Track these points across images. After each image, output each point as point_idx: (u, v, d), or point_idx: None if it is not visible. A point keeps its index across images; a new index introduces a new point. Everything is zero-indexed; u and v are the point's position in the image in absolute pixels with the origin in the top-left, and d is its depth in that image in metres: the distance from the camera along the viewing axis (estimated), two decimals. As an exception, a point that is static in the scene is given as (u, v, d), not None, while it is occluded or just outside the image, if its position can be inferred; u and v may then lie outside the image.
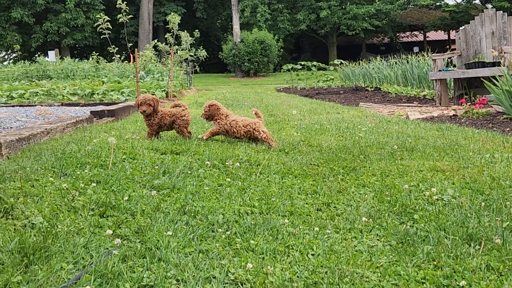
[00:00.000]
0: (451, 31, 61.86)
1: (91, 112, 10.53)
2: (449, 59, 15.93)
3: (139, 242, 3.39)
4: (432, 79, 13.83)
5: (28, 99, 16.14)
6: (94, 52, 26.60)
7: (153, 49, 18.28)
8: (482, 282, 2.72)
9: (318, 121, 10.00)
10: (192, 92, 24.59)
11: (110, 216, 3.92)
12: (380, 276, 2.85)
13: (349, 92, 22.07)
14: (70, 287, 2.69)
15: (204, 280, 2.82)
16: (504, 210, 3.90)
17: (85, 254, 3.15)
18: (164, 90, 18.24)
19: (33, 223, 3.59)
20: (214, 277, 2.85)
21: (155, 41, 19.46)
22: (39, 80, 22.14)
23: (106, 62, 25.11)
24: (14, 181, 4.48)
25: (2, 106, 13.97)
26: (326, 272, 2.89)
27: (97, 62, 25.03)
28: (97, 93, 16.46)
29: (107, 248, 3.26)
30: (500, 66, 10.97)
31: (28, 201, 4.00)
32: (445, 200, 4.27)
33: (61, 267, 2.95)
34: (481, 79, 11.57)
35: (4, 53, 61.52)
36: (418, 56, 22.94)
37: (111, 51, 18.09)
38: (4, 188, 4.23)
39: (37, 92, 16.71)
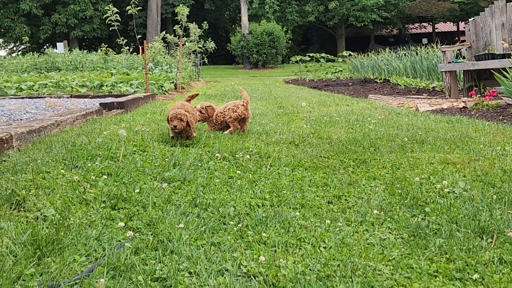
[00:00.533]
0: (460, 22, 61.53)
1: (100, 104, 10.54)
2: (458, 51, 15.88)
3: (151, 234, 3.40)
4: (442, 71, 13.78)
5: (37, 91, 16.16)
6: (102, 44, 26.57)
7: (162, 40, 18.24)
8: (495, 276, 2.72)
9: (327, 113, 9.98)
10: (201, 84, 24.59)
11: (122, 208, 3.93)
12: (393, 269, 2.85)
13: (358, 84, 22.03)
14: (83, 279, 2.70)
15: (216, 273, 2.82)
16: (516, 203, 3.90)
17: (97, 247, 3.17)
18: (173, 82, 18.25)
19: (45, 216, 3.61)
20: (227, 270, 2.85)
21: (163, 33, 19.37)
22: (48, 72, 22.19)
23: (115, 54, 25.13)
24: (26, 173, 4.50)
25: (12, 98, 14.00)
26: (338, 265, 2.90)
27: (106, 54, 25.04)
28: (106, 85, 16.45)
29: (119, 241, 3.27)
30: (510, 58, 10.91)
31: (40, 193, 4.01)
32: (456, 193, 4.26)
33: (74, 260, 2.96)
34: (491, 71, 11.53)
35: (12, 44, 61.63)
36: (427, 48, 22.88)
37: (119, 43, 18.06)
38: (16, 180, 4.25)
39: (46, 84, 16.73)
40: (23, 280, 2.67)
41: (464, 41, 14.59)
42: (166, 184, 4.53)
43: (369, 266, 2.87)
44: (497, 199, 4.00)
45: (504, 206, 3.85)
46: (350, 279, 2.70)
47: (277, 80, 30.38)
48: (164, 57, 23.49)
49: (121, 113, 9.90)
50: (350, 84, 22.20)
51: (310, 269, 2.84)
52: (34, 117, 8.57)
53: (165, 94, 16.34)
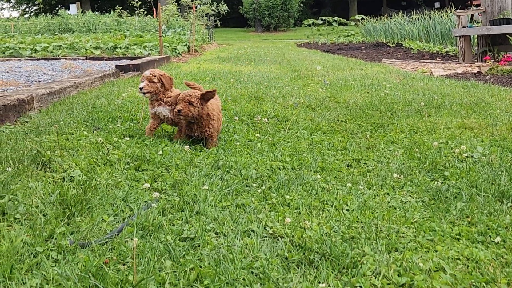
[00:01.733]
0: (473, -14, 60.77)
1: (116, 66, 10.56)
2: (472, 15, 15.76)
3: (176, 195, 3.44)
4: (456, 35, 13.71)
5: (51, 52, 16.18)
6: (116, 6, 26.43)
7: (176, 3, 18.19)
8: (515, 239, 2.75)
9: (342, 77, 9.97)
10: (213, 47, 24.53)
11: (146, 170, 3.97)
12: (415, 231, 2.89)
13: (371, 48, 21.94)
14: (113, 238, 2.75)
15: (243, 234, 2.87)
16: (535, 168, 3.91)
17: (124, 207, 3.22)
18: (186, 45, 18.21)
19: (71, 176, 3.65)
20: (253, 231, 2.90)
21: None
22: (61, 34, 22.19)
23: (128, 16, 25.05)
24: (49, 134, 4.54)
25: (28, 59, 14.04)
26: (362, 227, 2.93)
27: (120, 15, 24.96)
28: (120, 47, 16.44)
29: (146, 201, 3.32)
30: (526, 23, 10.85)
31: (65, 154, 4.06)
32: (475, 158, 4.28)
33: (102, 219, 3.01)
34: (507, 35, 11.46)
35: (25, 5, 61.43)
36: (441, 12, 22.69)
37: (133, 5, 18.00)
38: (40, 141, 4.29)
39: (61, 45, 16.73)
40: (55, 239, 2.72)
41: (479, 5, 14.48)
42: (187, 146, 4.56)
43: (392, 229, 2.91)
44: (516, 164, 4.03)
45: (523, 171, 3.87)
46: (375, 241, 2.74)
47: (290, 43, 30.26)
48: (177, 20, 23.39)
49: (137, 75, 9.92)
50: (363, 48, 22.10)
51: (334, 231, 2.88)
52: (52, 79, 8.61)
53: (178, 56, 16.33)
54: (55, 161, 3.87)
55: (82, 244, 2.68)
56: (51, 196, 3.23)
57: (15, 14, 60.26)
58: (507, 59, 11.25)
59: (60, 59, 13.87)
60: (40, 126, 4.89)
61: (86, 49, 16.24)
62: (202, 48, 20.98)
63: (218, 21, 25.27)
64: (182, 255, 2.59)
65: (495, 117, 5.79)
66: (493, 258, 2.55)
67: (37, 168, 3.76)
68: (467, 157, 4.30)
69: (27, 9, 63.21)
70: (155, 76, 4.91)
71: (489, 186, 3.55)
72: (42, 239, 2.70)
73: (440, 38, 19.25)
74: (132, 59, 13.04)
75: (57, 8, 51.75)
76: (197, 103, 4.50)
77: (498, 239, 2.75)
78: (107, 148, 4.35)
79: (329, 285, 2.30)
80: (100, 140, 4.49)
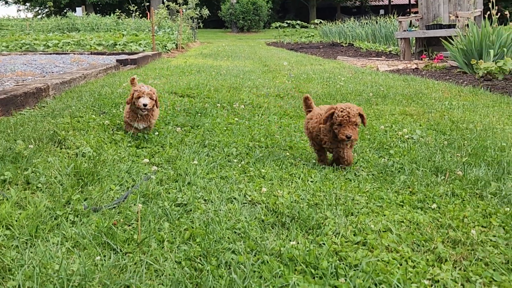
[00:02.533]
0: (411, -4, 61.04)
1: (116, 60, 10.45)
2: (411, 21, 15.84)
3: (171, 169, 3.45)
4: (398, 37, 13.80)
5: (61, 48, 15.93)
6: (116, 10, 26.10)
7: (166, 8, 18.09)
8: (449, 206, 2.80)
9: (304, 71, 9.98)
10: (197, 45, 24.32)
11: (144, 147, 3.98)
12: (367, 199, 2.93)
13: (327, 47, 21.94)
14: (120, 204, 2.76)
15: (226, 200, 2.89)
16: (463, 148, 3.97)
17: (128, 178, 3.22)
18: (174, 42, 18.07)
19: (83, 152, 3.64)
20: (235, 198, 2.92)
21: (166, 0, 19.33)
22: (69, 32, 21.84)
23: (126, 18, 24.82)
24: (63, 117, 4.51)
25: (41, 54, 13.83)
26: (324, 195, 2.97)
27: (119, 18, 24.70)
28: (119, 44, 16.26)
29: (146, 174, 3.32)
30: (455, 28, 10.94)
31: (77, 134, 4.04)
32: (414, 139, 4.34)
33: (110, 188, 3.01)
34: (439, 38, 11.55)
35: (38, 8, 60.39)
36: (385, 18, 22.75)
37: (130, 9, 17.80)
38: (56, 123, 4.26)
39: (69, 42, 16.49)
40: (72, 204, 2.72)
41: (417, 12, 14.55)
42: (179, 128, 4.57)
43: (348, 197, 2.95)
44: (447, 145, 4.09)
45: (453, 150, 3.93)
46: (335, 207, 2.77)
47: (260, 42, 30.12)
48: (166, 22, 23.19)
49: (134, 68, 9.84)
50: (321, 47, 22.09)
51: (301, 199, 2.91)
52: (63, 70, 8.49)
53: (168, 52, 16.20)
54: (69, 140, 3.85)
55: (95, 208, 2.68)
56: (66, 168, 3.22)
57: (30, 15, 59.26)
58: (440, 58, 11.36)
59: (69, 53, 13.68)
60: (55, 110, 4.85)
61: (90, 46, 16.02)
62: (187, 45, 20.82)
63: (200, 23, 25.29)
64: (177, 218, 2.60)
65: (430, 105, 5.85)
66: (430, 221, 2.60)
67: (54, 145, 3.74)
68: (408, 138, 4.36)
69: (39, 11, 62.13)
70: (154, 93, 4.15)
71: (426, 162, 3.60)
72: (61, 205, 2.70)
73: (385, 39, 19.30)
74: (130, 54, 12.89)
75: (65, 11, 50.96)
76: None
77: (434, 205, 2.81)
78: (112, 129, 4.33)
79: (298, 243, 2.33)
80: (107, 123, 4.47)
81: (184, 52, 17.06)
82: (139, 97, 4.10)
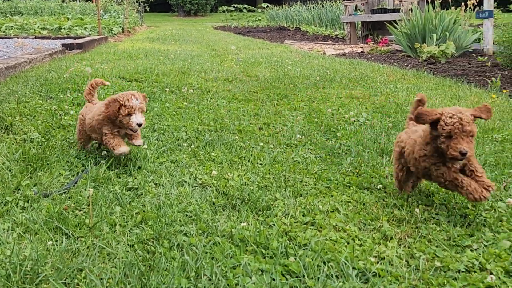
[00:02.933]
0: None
1: (62, 44, 10.25)
2: (357, 5, 16.04)
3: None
4: (344, 21, 13.99)
5: (4, 32, 15.48)
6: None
7: (111, -10, 17.89)
8: (392, 185, 2.90)
9: (252, 55, 10.01)
10: (144, 29, 24.02)
11: (93, 132, 3.95)
12: (315, 181, 3.00)
13: (275, 31, 22.01)
14: (70, 189, 2.75)
15: (177, 184, 2.92)
16: (407, 130, 4.09)
17: (77, 163, 3.21)
18: (121, 26, 17.80)
19: (31, 138, 3.60)
20: (186, 182, 2.95)
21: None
22: (12, 16, 21.24)
23: (70, 1, 24.29)
24: (9, 103, 4.43)
25: (-18, 38, 13.44)
26: (273, 177, 3.03)
27: (63, 1, 24.16)
28: (64, 28, 15.90)
29: (95, 158, 3.31)
30: (399, 12, 11.15)
31: (24, 120, 3.99)
32: (360, 122, 4.44)
33: (60, 173, 3.00)
34: (384, 22, 11.75)
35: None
36: (331, 2, 22.93)
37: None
38: (2, 109, 4.19)
39: (12, 26, 16.04)
40: (21, 190, 2.70)
41: (362, -3, 14.71)
42: (128, 113, 4.54)
43: (297, 179, 3.02)
44: (392, 127, 4.20)
45: (398, 132, 4.04)
46: (284, 189, 2.84)
47: (207, 26, 29.94)
48: (112, 5, 22.80)
49: (81, 53, 9.67)
50: (268, 31, 22.14)
51: (251, 181, 2.96)
52: (7, 55, 8.30)
53: (114, 36, 15.95)
54: (16, 126, 3.80)
55: (45, 194, 2.68)
56: (14, 154, 3.19)
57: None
58: (384, 42, 11.57)
59: (12, 38, 13.32)
60: (1, 96, 4.76)
61: (34, 30, 15.63)
62: (134, 29, 20.55)
63: (147, 6, 24.95)
64: (128, 202, 2.62)
65: (376, 88, 5.98)
66: (376, 201, 2.69)
67: (1, 131, 3.69)
68: (354, 121, 4.46)
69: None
70: (145, 101, 3.24)
71: (372, 144, 3.71)
72: (10, 191, 2.68)
73: (331, 23, 19.48)
74: (76, 39, 12.65)
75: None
76: None
77: (380, 186, 2.90)
78: (60, 114, 4.28)
79: (248, 224, 2.39)
80: (54, 108, 4.42)
81: (131, 36, 16.85)
82: (129, 114, 3.12)
